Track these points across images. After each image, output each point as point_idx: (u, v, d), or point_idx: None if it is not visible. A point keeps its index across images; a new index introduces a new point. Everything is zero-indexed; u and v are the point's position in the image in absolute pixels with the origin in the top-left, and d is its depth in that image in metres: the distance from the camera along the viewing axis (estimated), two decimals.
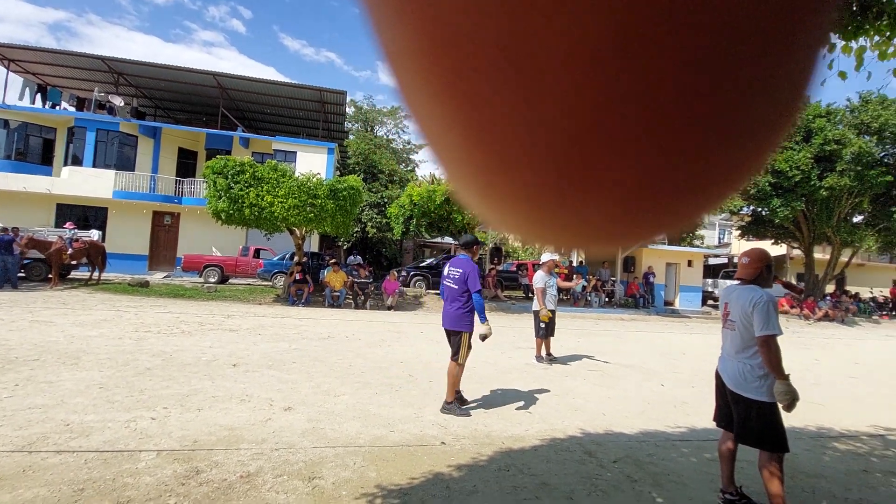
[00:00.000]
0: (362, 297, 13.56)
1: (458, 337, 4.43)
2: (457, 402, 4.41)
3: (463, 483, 2.88)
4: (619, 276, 18.09)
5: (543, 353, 7.10)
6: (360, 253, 23.09)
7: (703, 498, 2.91)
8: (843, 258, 21.13)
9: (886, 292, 23.11)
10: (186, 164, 21.40)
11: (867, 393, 6.35)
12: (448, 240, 25.06)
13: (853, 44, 2.42)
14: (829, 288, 20.76)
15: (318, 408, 4.18)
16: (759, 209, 19.80)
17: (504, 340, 8.76)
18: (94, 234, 14.59)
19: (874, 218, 19.17)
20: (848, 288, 22.30)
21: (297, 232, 13.69)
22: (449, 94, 0.19)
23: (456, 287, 4.42)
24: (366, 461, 3.11)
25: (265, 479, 2.74)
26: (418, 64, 0.19)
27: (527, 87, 0.17)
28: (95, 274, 13.62)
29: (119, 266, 16.89)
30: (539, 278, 7.03)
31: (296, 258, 14.02)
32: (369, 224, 21.83)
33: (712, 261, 25.83)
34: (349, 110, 30.35)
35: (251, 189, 11.88)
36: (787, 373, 2.56)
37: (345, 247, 24.09)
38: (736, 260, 26.64)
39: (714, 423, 2.97)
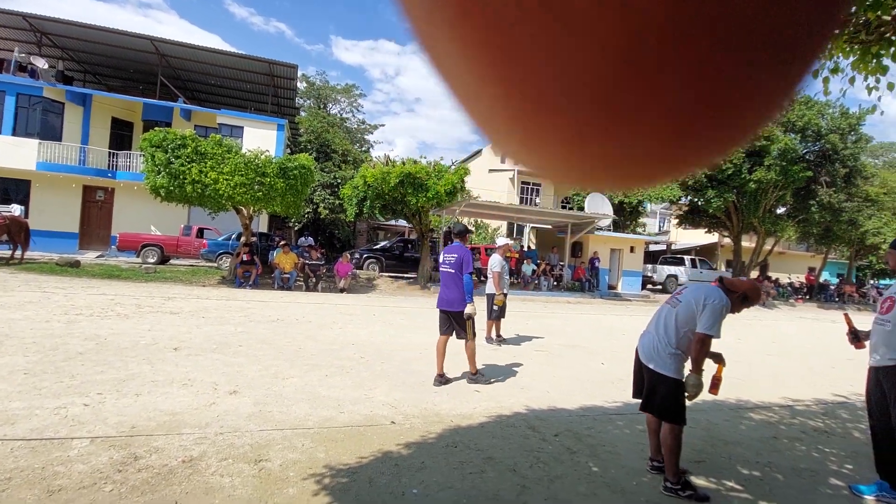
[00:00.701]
0: (314, 280, 13.30)
1: (460, 316, 4.75)
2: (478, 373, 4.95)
3: (411, 460, 2.96)
4: (567, 261, 18.78)
5: (493, 334, 7.30)
6: (312, 234, 22.53)
7: (633, 465, 3.16)
8: (767, 247, 22.98)
9: (802, 278, 25.39)
10: (121, 136, 19.87)
11: (781, 369, 7.03)
12: (402, 222, 24.93)
13: None
14: (754, 273, 22.51)
15: (265, 391, 4.12)
16: (696, 199, 21.11)
17: None
18: (16, 209, 13.34)
19: (795, 210, 20.94)
20: (770, 274, 24.30)
21: (245, 211, 13.16)
22: (485, 48, 0.20)
23: (454, 272, 4.77)
24: (314, 442, 3.12)
25: (209, 464, 2.70)
26: (451, 25, 0.20)
27: (562, 30, 0.17)
28: (18, 252, 12.50)
29: (45, 244, 15.56)
30: (496, 262, 7.12)
31: (243, 238, 13.50)
32: (322, 205, 21.28)
33: (653, 247, 27.32)
34: (301, 85, 29.18)
35: (193, 165, 11.25)
36: (703, 369, 2.77)
37: (296, 228, 23.41)
38: (674, 246, 28.21)
39: (634, 397, 3.17)
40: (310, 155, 17.15)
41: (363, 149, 29.93)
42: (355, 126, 31.32)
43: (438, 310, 4.92)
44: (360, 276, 15.56)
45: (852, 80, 2.78)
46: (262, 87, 22.11)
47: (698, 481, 2.98)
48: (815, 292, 23.38)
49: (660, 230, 32.88)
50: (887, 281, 28.81)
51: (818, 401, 5.29)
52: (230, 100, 24.26)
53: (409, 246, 18.75)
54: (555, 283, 17.65)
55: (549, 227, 21.36)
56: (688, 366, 2.82)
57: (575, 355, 6.79)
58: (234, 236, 15.41)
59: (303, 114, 26.89)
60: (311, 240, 19.39)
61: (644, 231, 25.75)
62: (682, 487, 2.72)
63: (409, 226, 19.00)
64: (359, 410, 3.82)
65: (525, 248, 22.45)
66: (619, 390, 5.08)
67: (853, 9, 2.44)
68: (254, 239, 14.84)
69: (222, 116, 19.75)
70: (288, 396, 4.02)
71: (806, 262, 28.96)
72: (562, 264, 18.63)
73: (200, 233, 16.27)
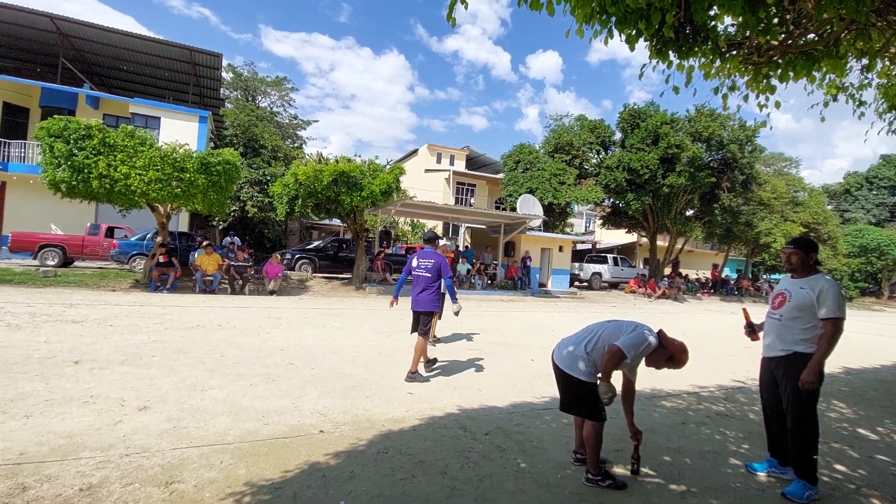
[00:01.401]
0: (240, 282, 12.60)
1: (429, 317, 5.34)
2: (420, 371, 5.25)
3: (340, 470, 2.89)
4: (501, 260, 19.30)
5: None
6: (240, 234, 21.31)
7: (559, 459, 3.30)
8: (678, 245, 25.04)
9: (708, 274, 27.94)
10: (14, 123, 17.63)
11: (690, 358, 7.66)
12: (337, 222, 24.25)
13: (686, 62, 2.84)
14: (667, 270, 24.45)
15: (180, 405, 3.83)
16: (617, 202, 22.57)
17: (391, 323, 8.85)
18: None
19: (701, 212, 23.00)
20: (681, 270, 26.49)
21: (161, 209, 12.17)
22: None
23: (429, 275, 5.21)
24: (235, 458, 2.95)
25: (111, 490, 2.46)
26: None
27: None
28: None
29: None
30: None
31: (159, 238, 12.47)
32: (250, 203, 20.16)
33: (580, 247, 28.79)
34: (227, 76, 27.50)
35: (101, 158, 10.21)
36: (610, 378, 2.86)
37: (221, 227, 22.02)
38: (599, 245, 29.86)
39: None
40: (236, 150, 16.23)
41: (295, 145, 28.75)
42: (287, 121, 30.01)
43: (413, 311, 5.35)
44: (291, 277, 14.97)
45: (746, 98, 3.09)
46: (183, 76, 20.56)
47: (617, 469, 3.17)
48: (718, 287, 25.83)
49: (586, 230, 34.73)
50: (777, 276, 32.51)
51: (720, 387, 5.84)
52: (146, 88, 22.34)
53: (344, 246, 18.33)
54: (489, 282, 18.06)
55: (484, 227, 21.82)
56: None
57: (506, 353, 6.98)
58: (149, 236, 14.18)
59: (229, 106, 25.32)
60: (237, 240, 18.34)
61: (572, 231, 27.08)
62: (602, 478, 2.88)
63: (344, 225, 18.54)
64: (285, 421, 3.67)
65: (461, 248, 22.75)
66: (547, 385, 5.29)
67: (747, 32, 2.72)
68: (171, 239, 13.79)
69: (136, 105, 18.12)
70: (206, 410, 3.77)
71: (711, 259, 31.89)
72: (495, 263, 19.10)
73: (110, 232, 14.81)
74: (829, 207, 33.07)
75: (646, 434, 3.92)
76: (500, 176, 25.13)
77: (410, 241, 27.31)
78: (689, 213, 23.29)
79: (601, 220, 26.65)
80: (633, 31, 2.34)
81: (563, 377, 3.01)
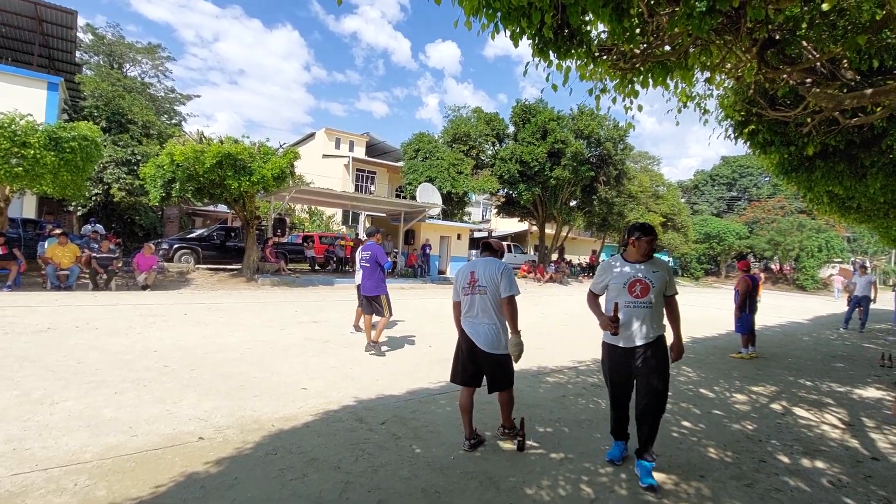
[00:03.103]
0: (104, 276, 11.01)
1: (380, 299, 6.09)
2: (378, 345, 6.05)
3: (222, 478, 2.68)
4: (401, 248, 19.32)
5: (362, 323, 7.29)
6: (104, 221, 18.52)
7: (453, 441, 3.42)
8: (564, 233, 27.24)
9: (587, 259, 30.81)
10: None
11: (572, 336, 8.41)
12: (223, 208, 22.22)
13: (564, 63, 3.04)
14: (554, 256, 26.50)
15: (23, 423, 3.26)
16: (511, 192, 23.85)
17: (285, 317, 8.41)
18: None
19: (583, 203, 25.22)
20: (566, 256, 28.86)
21: None
22: None
23: (370, 265, 6.14)
24: (93, 478, 2.59)
25: None
26: None
27: None
28: None
29: None
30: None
31: None
32: (116, 186, 17.56)
33: (477, 234, 29.88)
34: (85, 38, 23.54)
35: None
36: (519, 328, 3.18)
37: (80, 213, 18.96)
38: (495, 233, 31.32)
39: (454, 382, 3.43)
40: (96, 124, 14.00)
41: (173, 121, 25.62)
42: (162, 94, 26.54)
43: (362, 295, 6.25)
44: (168, 270, 13.46)
45: (614, 100, 3.40)
46: (26, 34, 17.21)
47: (505, 445, 3.38)
48: (596, 270, 28.69)
49: (483, 219, 36.16)
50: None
51: (594, 360, 6.48)
52: None
53: (233, 234, 16.93)
54: (389, 270, 18.00)
55: (384, 215, 21.62)
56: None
57: (405, 340, 7.03)
58: None
59: (88, 73, 21.72)
60: (100, 228, 15.91)
61: (469, 219, 28.00)
62: (520, 428, 3.34)
63: (232, 212, 17.04)
64: (158, 430, 3.31)
65: (360, 236, 22.32)
66: (443, 370, 5.41)
67: (615, 39, 2.98)
68: (11, 227, 11.57)
69: None
70: (58, 426, 3.25)
71: (590, 245, 35.15)
72: (396, 251, 19.07)
73: None
74: (683, 200, 38.27)
75: (531, 409, 4.24)
76: (401, 164, 25.04)
77: (308, 229, 26.10)
78: (573, 203, 25.39)
79: (496, 210, 27.94)
80: (517, 29, 2.45)
81: (488, 359, 3.20)
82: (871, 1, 2.64)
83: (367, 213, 24.42)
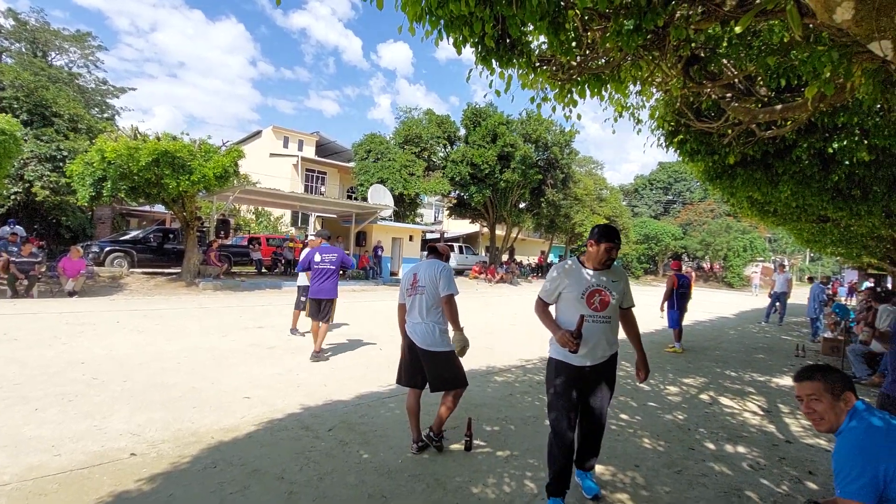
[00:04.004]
0: (24, 282, 10.09)
1: (330, 303, 6.05)
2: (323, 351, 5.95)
3: (155, 496, 2.55)
4: (352, 250, 19.02)
5: (301, 327, 7.31)
6: (25, 222, 16.88)
7: (401, 444, 3.42)
8: (513, 234, 27.88)
9: (536, 260, 31.68)
10: None
11: (520, 336, 8.63)
12: (160, 208, 20.92)
13: (506, 71, 3.12)
14: (505, 257, 27.04)
15: None
16: (462, 194, 24.13)
17: (227, 322, 8.06)
18: None
19: (531, 205, 25.92)
20: (516, 257, 29.54)
21: None
22: None
23: (333, 268, 6.09)
24: (12, 501, 2.39)
25: None
26: None
27: None
28: None
29: None
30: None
31: None
32: (39, 184, 16.08)
33: (429, 236, 29.97)
34: (6, 23, 21.50)
35: None
36: (461, 325, 3.23)
37: None
38: (447, 234, 31.50)
39: (399, 384, 3.49)
40: (16, 117, 12.78)
41: (105, 115, 23.85)
42: (92, 86, 24.62)
43: (311, 298, 6.05)
44: (99, 274, 12.54)
45: (554, 109, 3.54)
46: None
47: (453, 446, 3.43)
48: (544, 271, 29.55)
49: (435, 220, 36.29)
50: None
51: (541, 358, 6.69)
52: None
53: (171, 236, 16.01)
54: (340, 272, 17.67)
55: (335, 216, 21.21)
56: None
57: (355, 344, 6.94)
58: None
59: (8, 61, 19.79)
60: (20, 229, 14.53)
61: (421, 221, 28.06)
62: (440, 439, 3.33)
63: (171, 213, 16.05)
64: (84, 448, 3.09)
65: (309, 237, 21.74)
66: (393, 372, 5.36)
67: (552, 54, 3.11)
68: None
69: None
70: None
71: (539, 246, 36.20)
72: (347, 253, 18.75)
73: None
74: (624, 203, 40.25)
75: (479, 408, 4.32)
76: (352, 165, 24.67)
77: (254, 230, 25.13)
78: (522, 205, 26.03)
79: (448, 211, 28.14)
80: (460, 37, 2.50)
81: (429, 357, 3.22)
82: (780, 25, 2.91)
83: (317, 214, 23.89)
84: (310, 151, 31.44)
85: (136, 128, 13.57)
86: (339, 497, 2.65)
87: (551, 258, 33.15)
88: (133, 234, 16.52)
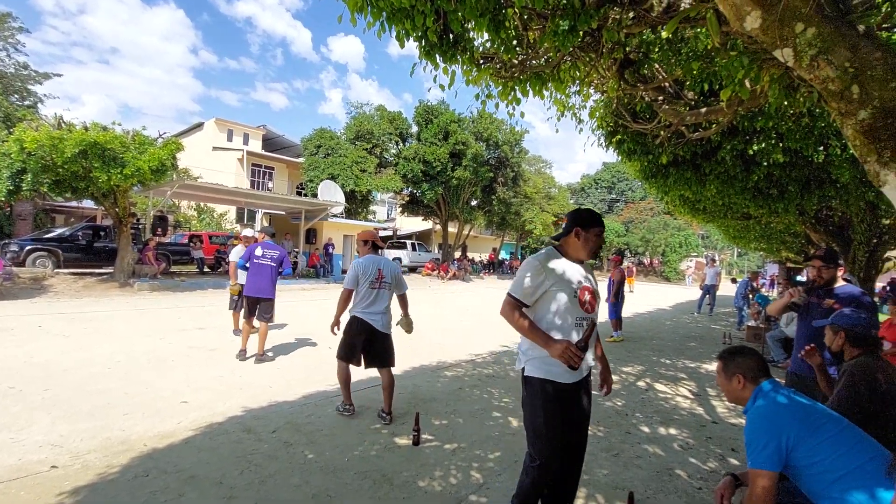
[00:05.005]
0: None
1: (270, 302, 5.78)
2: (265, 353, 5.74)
3: None
4: (302, 248, 18.51)
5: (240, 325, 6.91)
6: None
7: (347, 442, 3.38)
8: (466, 231, 28.17)
9: (488, 256, 32.18)
10: None
11: (470, 331, 8.74)
12: (89, 203, 19.37)
13: (450, 67, 3.13)
14: (457, 254, 27.27)
15: None
16: (415, 191, 24.08)
17: (165, 324, 7.63)
18: None
19: (483, 203, 26.28)
20: (468, 254, 29.86)
21: None
22: None
23: (274, 265, 5.81)
24: None
25: None
26: None
27: None
28: None
29: None
30: (235, 253, 6.87)
31: None
32: None
33: (382, 233, 29.67)
34: None
35: None
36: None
37: None
38: (399, 232, 31.30)
39: (339, 358, 3.88)
40: None
41: (26, 103, 21.84)
42: (12, 70, 22.45)
43: (247, 296, 5.72)
44: (19, 275, 11.47)
45: (497, 105, 3.61)
46: None
47: (400, 441, 3.43)
48: (495, 267, 30.07)
49: (388, 217, 35.98)
50: None
51: (491, 353, 6.83)
52: None
53: (102, 234, 14.91)
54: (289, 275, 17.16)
55: (283, 213, 20.55)
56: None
57: (303, 342, 6.78)
58: None
59: None
60: None
61: (374, 218, 27.73)
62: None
63: (102, 208, 14.90)
64: None
65: (245, 234, 20.93)
66: None
67: (495, 51, 3.17)
68: None
69: None
70: None
71: (491, 243, 36.76)
72: (297, 251, 18.23)
73: None
74: (571, 201, 41.68)
75: (428, 403, 4.35)
76: (301, 160, 23.97)
77: (196, 227, 23.87)
78: (474, 203, 26.33)
79: (401, 208, 27.99)
80: (402, 30, 2.50)
81: (382, 339, 3.86)
82: (704, 33, 3.11)
83: (264, 211, 23.01)
84: (256, 146, 30.26)
85: (61, 116, 12.55)
86: (282, 499, 2.59)
87: (503, 255, 33.79)
88: (59, 231, 15.24)
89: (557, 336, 2.05)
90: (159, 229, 17.63)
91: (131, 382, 4.54)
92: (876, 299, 8.86)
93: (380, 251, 4.09)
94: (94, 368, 4.92)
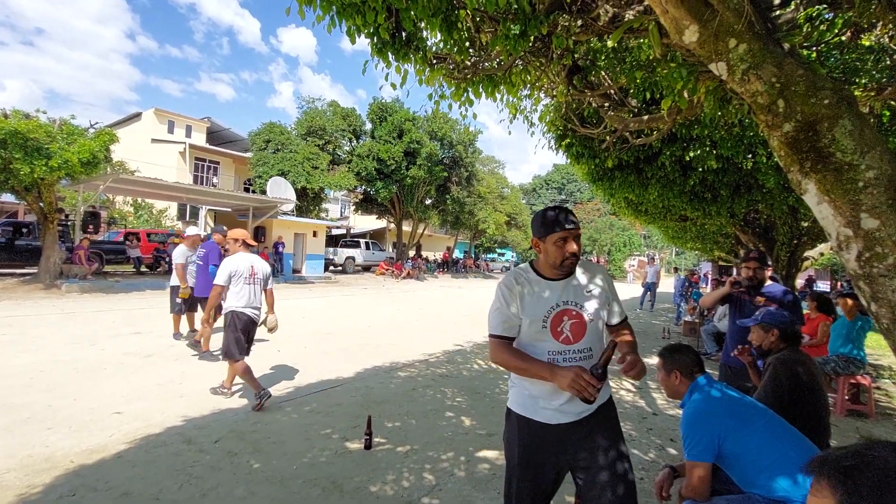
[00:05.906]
0: None
1: (205, 300, 5.53)
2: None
3: None
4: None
5: (184, 329, 6.65)
6: None
7: (296, 450, 3.27)
8: (420, 230, 28.16)
9: (442, 255, 32.35)
10: None
11: (426, 330, 8.73)
12: (9, 198, 17.62)
13: (403, 66, 3.09)
14: (412, 253, 27.19)
15: None
16: (368, 189, 23.76)
17: (97, 329, 7.09)
18: None
19: (437, 202, 26.37)
20: (423, 253, 29.84)
21: None
22: None
23: (202, 263, 5.98)
24: None
25: None
26: None
27: None
28: None
29: None
30: (179, 253, 6.43)
31: None
32: None
33: (335, 231, 29.12)
34: None
35: None
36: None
37: None
38: (353, 230, 30.76)
39: (236, 357, 4.09)
40: None
41: None
42: None
43: (196, 297, 6.13)
44: None
45: (450, 106, 3.61)
46: None
47: (352, 445, 3.37)
48: (449, 266, 30.26)
49: (341, 215, 35.30)
50: (493, 255, 40.36)
51: (444, 352, 6.85)
52: None
53: (25, 231, 13.67)
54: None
55: (230, 210, 19.65)
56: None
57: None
58: None
59: None
60: None
61: (326, 216, 27.10)
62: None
63: (24, 203, 13.65)
64: None
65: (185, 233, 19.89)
66: (290, 374, 5.19)
67: (448, 52, 3.16)
68: None
69: None
70: None
71: (445, 242, 36.97)
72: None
73: None
74: (523, 202, 42.64)
75: (380, 405, 4.30)
76: (249, 155, 23.03)
77: (133, 224, 22.37)
78: (428, 202, 26.36)
79: (355, 207, 27.54)
80: (353, 26, 2.44)
81: (255, 328, 4.34)
82: (647, 44, 3.25)
83: (208, 207, 21.92)
84: (200, 139, 28.76)
85: None
86: None
87: (457, 254, 34.03)
88: None
89: (528, 384, 1.68)
90: (91, 226, 16.37)
91: (56, 395, 4.18)
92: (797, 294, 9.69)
93: (250, 249, 4.46)
94: (11, 380, 4.49)
